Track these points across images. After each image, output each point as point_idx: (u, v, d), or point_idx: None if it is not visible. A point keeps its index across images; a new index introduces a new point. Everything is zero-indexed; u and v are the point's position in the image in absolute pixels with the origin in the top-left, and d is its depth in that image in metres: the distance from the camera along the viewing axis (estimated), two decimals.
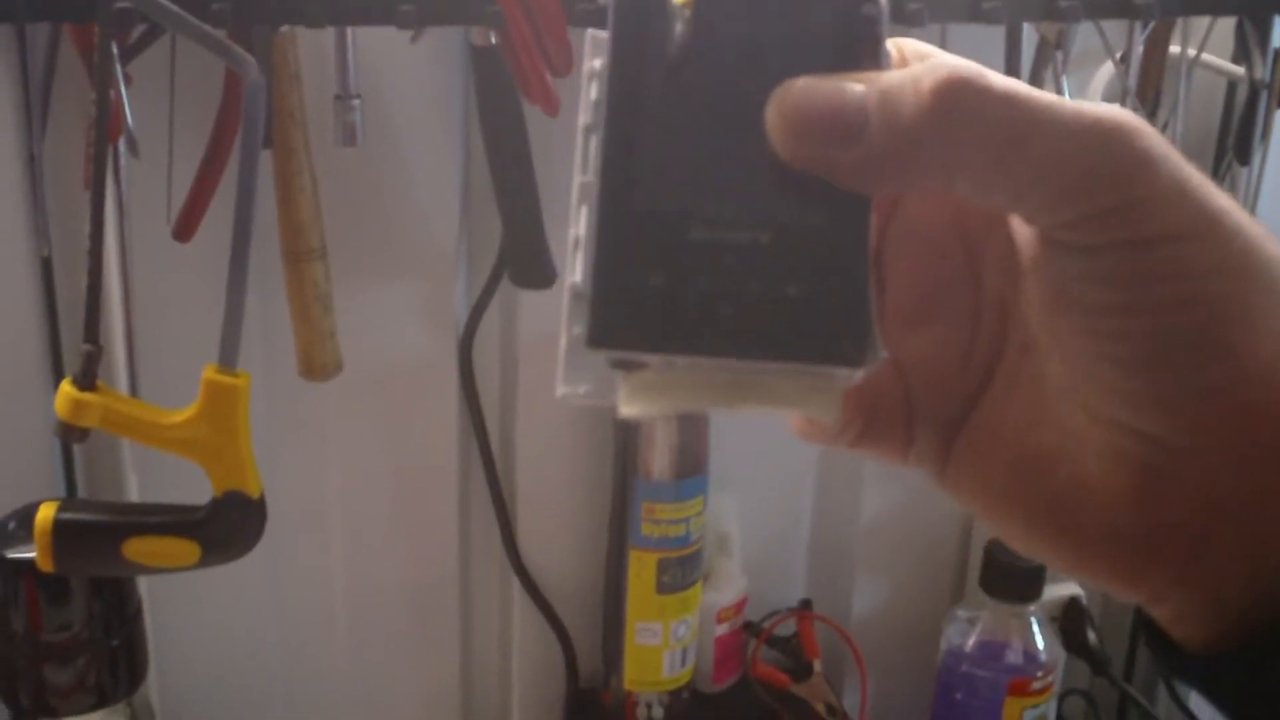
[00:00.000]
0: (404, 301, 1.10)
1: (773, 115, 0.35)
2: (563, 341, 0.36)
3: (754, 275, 0.34)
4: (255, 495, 0.89)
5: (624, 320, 0.34)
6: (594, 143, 0.36)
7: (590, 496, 1.18)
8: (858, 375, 0.35)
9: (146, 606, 1.09)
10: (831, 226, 0.35)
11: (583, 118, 0.36)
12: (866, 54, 0.36)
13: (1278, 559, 0.37)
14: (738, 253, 0.34)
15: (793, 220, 0.35)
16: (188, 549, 0.89)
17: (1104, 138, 0.34)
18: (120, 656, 1.02)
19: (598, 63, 0.37)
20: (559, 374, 0.35)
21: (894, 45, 0.39)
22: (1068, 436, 0.39)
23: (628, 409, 0.35)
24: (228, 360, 0.86)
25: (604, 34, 0.36)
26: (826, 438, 0.43)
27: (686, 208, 0.35)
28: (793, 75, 0.35)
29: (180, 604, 1.14)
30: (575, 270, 0.35)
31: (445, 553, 1.18)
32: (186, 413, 0.86)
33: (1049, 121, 0.34)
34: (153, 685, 1.10)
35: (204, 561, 0.90)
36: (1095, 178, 0.34)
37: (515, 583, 1.20)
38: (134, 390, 0.98)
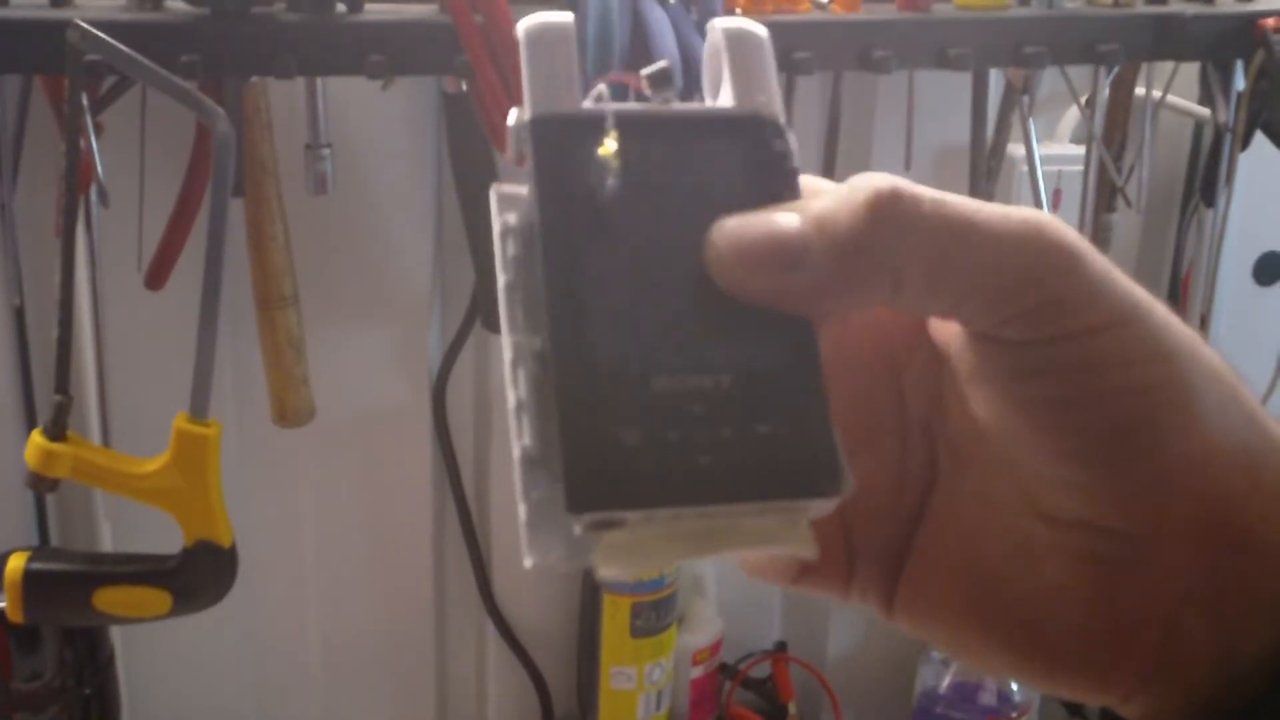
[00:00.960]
0: (378, 347, 1.10)
1: (713, 254, 0.35)
2: (522, 510, 0.34)
3: (723, 419, 0.34)
4: (226, 544, 0.89)
5: (603, 481, 0.33)
6: (519, 300, 0.35)
7: None
8: (832, 505, 0.35)
9: (120, 654, 1.08)
10: (786, 360, 0.35)
11: (503, 277, 0.35)
12: (785, 186, 0.36)
13: (1244, 645, 0.37)
14: (703, 399, 0.34)
15: (749, 359, 0.35)
16: (159, 598, 0.89)
17: (1032, 237, 0.35)
18: (92, 705, 1.01)
19: (510, 218, 0.36)
20: (525, 543, 0.34)
21: (804, 180, 0.38)
22: (1018, 547, 0.39)
23: (606, 571, 0.34)
24: (198, 410, 0.86)
25: (510, 189, 0.36)
26: (773, 576, 0.42)
27: (644, 361, 0.34)
28: (722, 215, 0.35)
29: (154, 651, 1.13)
30: (523, 434, 0.34)
31: (420, 598, 1.18)
32: (157, 462, 0.86)
33: (981, 224, 0.35)
34: None
35: (175, 611, 0.90)
36: (1029, 275, 0.35)
37: (490, 627, 1.20)
38: (106, 439, 0.98)
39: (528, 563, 0.33)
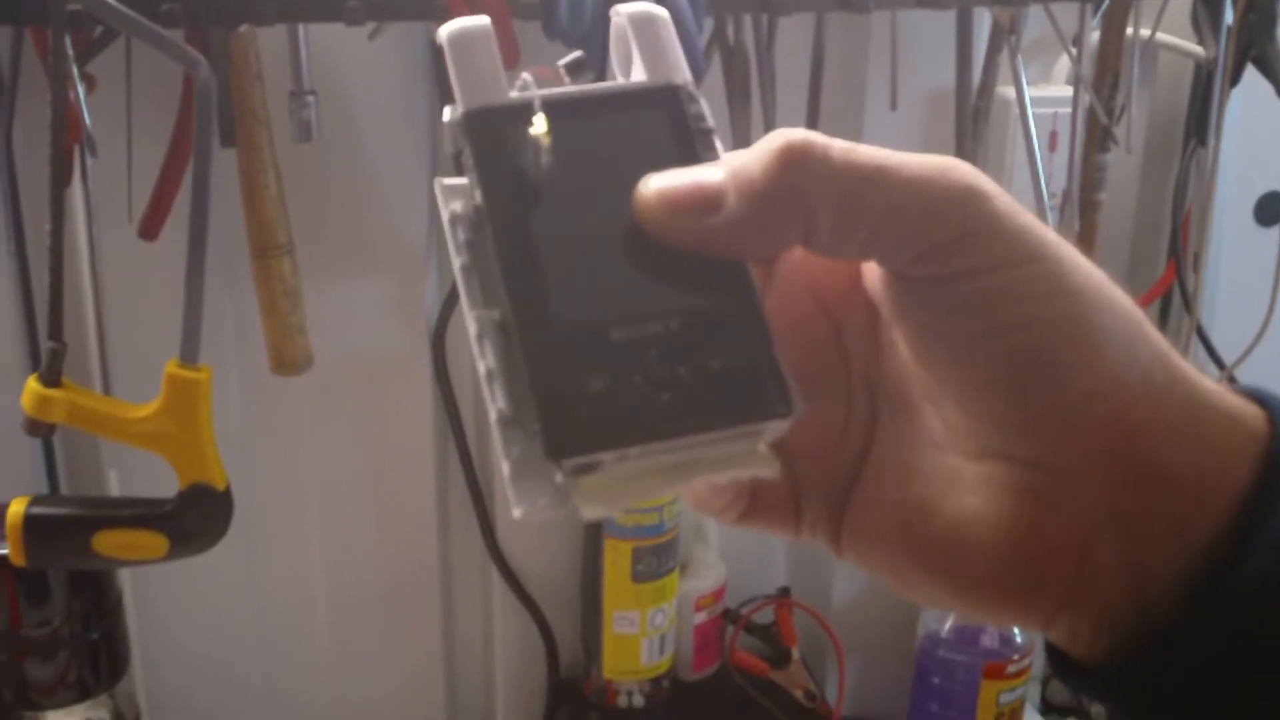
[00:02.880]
0: (375, 296, 1.11)
1: (642, 206, 0.38)
2: (505, 467, 0.37)
3: (678, 359, 0.37)
4: (221, 487, 0.90)
5: (576, 428, 0.36)
6: (475, 279, 0.38)
7: None
8: (786, 426, 0.38)
9: (129, 601, 1.10)
10: (727, 301, 0.38)
11: (458, 260, 0.38)
12: (703, 146, 0.39)
13: (1154, 570, 0.38)
14: (657, 343, 0.37)
15: (694, 304, 0.38)
16: (156, 541, 0.91)
17: (937, 178, 0.37)
18: (101, 650, 1.03)
19: (456, 206, 0.38)
20: (511, 496, 0.37)
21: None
22: (946, 481, 0.41)
23: (589, 511, 0.37)
24: (189, 355, 0.88)
25: (451, 181, 0.39)
26: (715, 510, 0.44)
27: (599, 316, 0.37)
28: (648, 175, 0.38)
29: (163, 598, 1.16)
30: (496, 399, 0.37)
31: (424, 545, 1.20)
32: (150, 407, 0.88)
33: (890, 168, 0.37)
34: (137, 678, 1.12)
35: (172, 553, 0.91)
36: (936, 213, 0.37)
37: (495, 573, 1.21)
38: (106, 387, 0.99)
39: (516, 513, 0.36)
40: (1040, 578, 0.40)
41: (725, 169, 0.38)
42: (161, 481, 0.90)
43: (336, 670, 1.22)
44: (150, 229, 0.95)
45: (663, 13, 0.41)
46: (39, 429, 0.88)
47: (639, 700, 1.20)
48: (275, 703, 1.23)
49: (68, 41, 0.83)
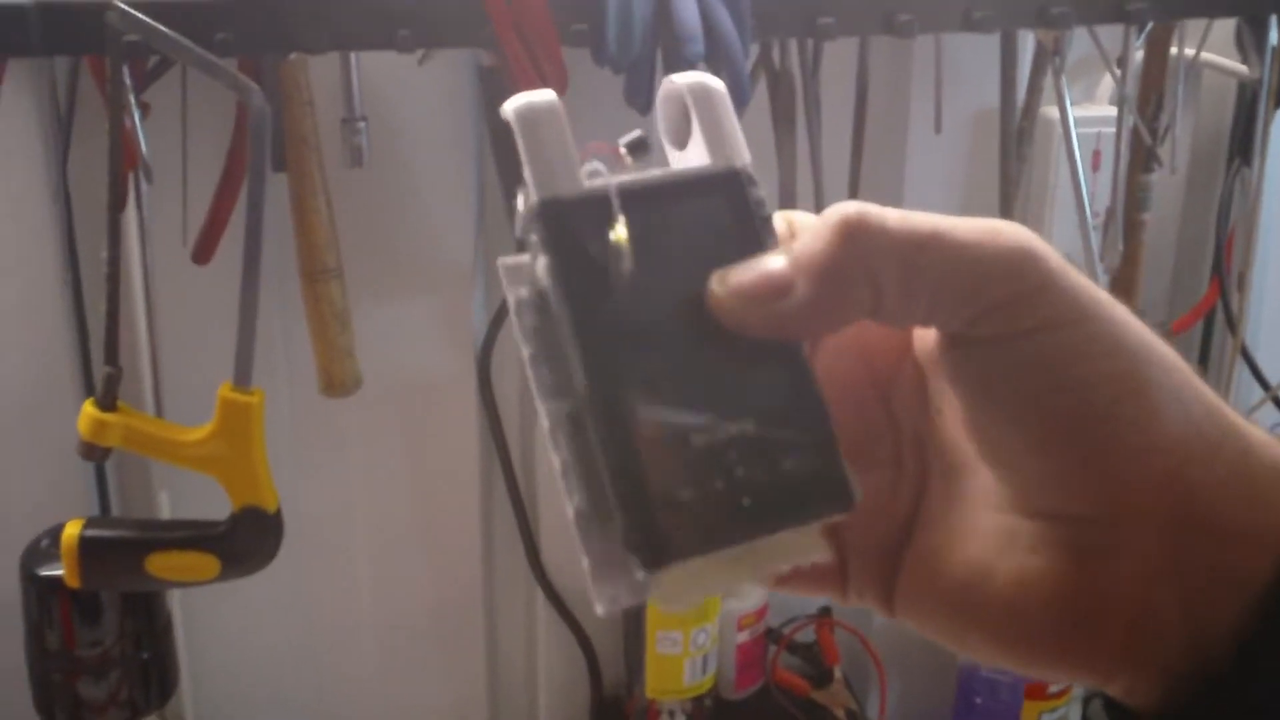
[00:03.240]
0: (423, 318, 1.12)
1: (715, 301, 0.39)
2: (585, 563, 0.37)
3: (755, 463, 0.38)
4: (272, 510, 0.91)
5: (661, 534, 0.36)
6: (545, 368, 0.38)
7: None
8: (844, 516, 0.39)
9: (179, 621, 1.11)
10: (793, 396, 0.39)
11: (526, 349, 0.38)
12: (766, 230, 0.40)
13: (1212, 622, 0.39)
14: (736, 447, 0.38)
15: (765, 401, 0.38)
16: (208, 563, 0.92)
17: (992, 239, 0.38)
18: (151, 670, 1.04)
19: (523, 291, 0.38)
20: (593, 594, 0.37)
21: (783, 218, 0.42)
22: (1002, 540, 0.41)
23: (668, 607, 0.39)
24: (242, 379, 0.89)
25: (514, 261, 0.38)
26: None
27: (678, 416, 0.37)
28: (716, 268, 0.39)
29: (212, 618, 1.17)
30: (573, 494, 0.37)
31: (469, 565, 1.20)
32: (203, 431, 0.89)
33: (944, 232, 0.38)
34: (186, 698, 1.13)
35: (224, 575, 0.93)
36: (991, 274, 0.38)
37: (539, 594, 1.22)
38: (159, 410, 1.01)
39: (600, 611, 0.37)
40: (1101, 633, 0.40)
41: (790, 254, 0.39)
42: (212, 502, 0.91)
43: (383, 690, 1.23)
44: (203, 253, 0.96)
45: (720, 87, 0.41)
46: (94, 453, 0.89)
47: (681, 719, 1.21)
48: None
49: (125, 71, 0.84)
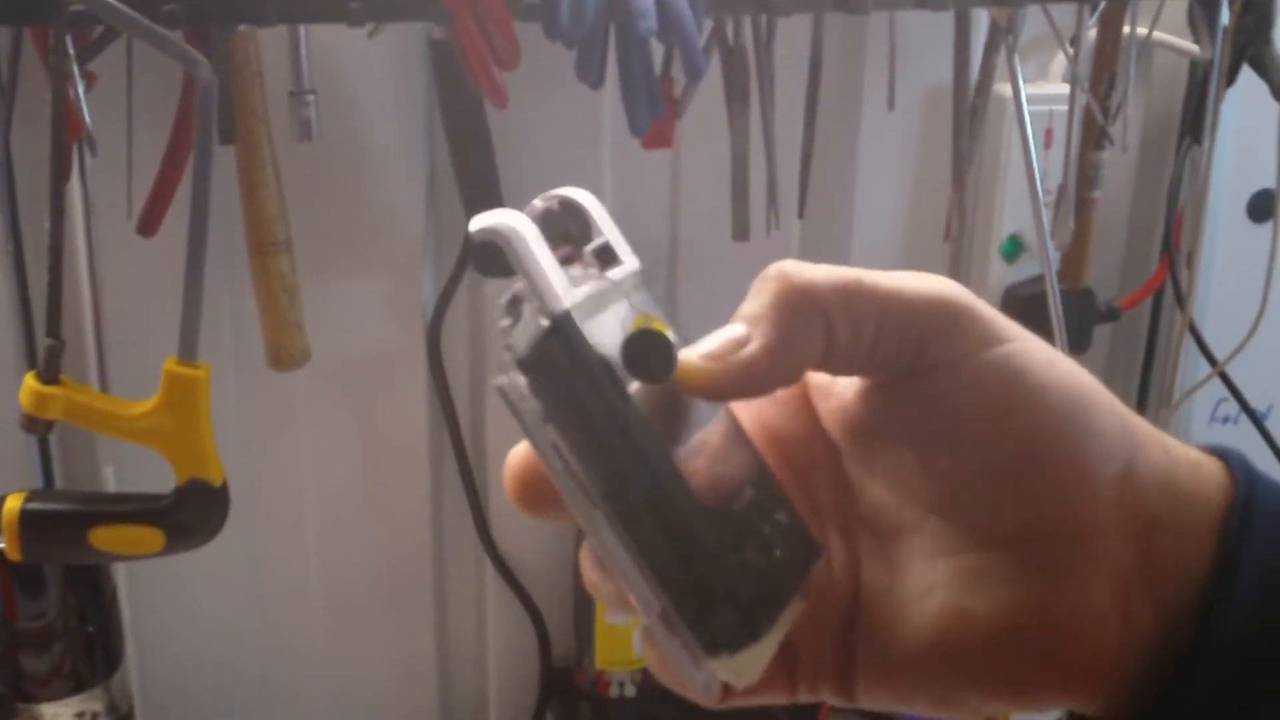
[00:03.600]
0: (372, 292, 1.12)
1: (692, 372, 0.40)
2: (685, 658, 0.40)
3: (765, 552, 0.41)
4: (217, 483, 0.90)
5: (724, 631, 0.39)
6: (585, 477, 0.39)
7: None
8: (820, 564, 0.44)
9: (124, 593, 1.11)
10: (761, 486, 0.43)
11: (557, 462, 0.39)
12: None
13: (1182, 618, 0.40)
14: (750, 542, 0.41)
15: (748, 494, 0.42)
16: (152, 536, 0.91)
17: (915, 278, 0.41)
18: (96, 643, 1.04)
19: (534, 406, 0.38)
20: (698, 687, 0.40)
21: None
22: (969, 582, 0.42)
23: (738, 680, 0.40)
24: (187, 352, 0.88)
25: (512, 382, 0.39)
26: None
27: (709, 502, 0.40)
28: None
29: (158, 591, 1.16)
30: (652, 595, 0.39)
31: (419, 538, 1.20)
32: (148, 404, 0.88)
33: (867, 275, 0.41)
34: (132, 670, 1.12)
35: (169, 548, 0.92)
36: (926, 303, 0.41)
37: (488, 566, 1.22)
38: (104, 384, 0.99)
39: (709, 702, 0.41)
40: (1091, 649, 0.41)
41: (739, 317, 0.41)
42: (159, 476, 0.90)
43: (331, 661, 1.23)
44: (149, 226, 0.95)
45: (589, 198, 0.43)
46: (36, 426, 0.88)
47: (631, 690, 1.21)
48: (270, 694, 1.23)
49: (69, 41, 0.83)
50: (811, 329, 0.40)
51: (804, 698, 0.45)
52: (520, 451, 0.42)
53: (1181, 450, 0.42)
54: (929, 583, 0.42)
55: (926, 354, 0.41)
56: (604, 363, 0.38)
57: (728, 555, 0.40)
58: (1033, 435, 0.40)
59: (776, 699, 0.45)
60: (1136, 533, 0.40)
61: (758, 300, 0.40)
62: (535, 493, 0.41)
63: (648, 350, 0.39)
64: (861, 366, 0.42)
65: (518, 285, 0.39)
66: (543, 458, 0.39)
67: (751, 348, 0.40)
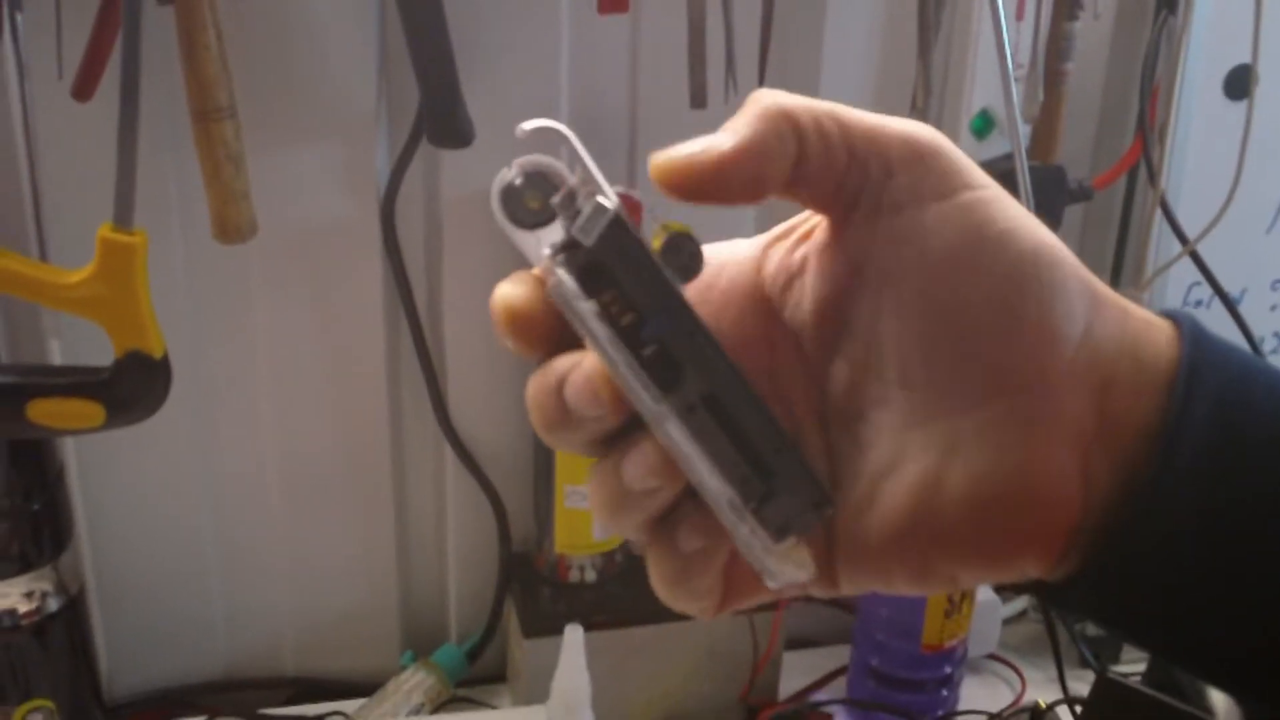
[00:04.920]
0: (323, 163, 1.09)
1: (661, 173, 0.41)
2: (756, 546, 0.41)
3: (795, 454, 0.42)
4: (158, 355, 0.88)
5: (789, 509, 0.41)
6: (646, 371, 0.40)
7: (518, 359, 1.17)
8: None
9: (75, 474, 1.09)
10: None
11: (621, 356, 0.40)
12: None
13: (1141, 470, 0.41)
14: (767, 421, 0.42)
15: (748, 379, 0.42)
16: (92, 410, 0.89)
17: (896, 119, 0.42)
18: (43, 521, 1.02)
19: (586, 305, 0.40)
20: (774, 574, 0.42)
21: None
22: (942, 448, 0.42)
23: (804, 571, 0.42)
24: (123, 218, 0.85)
25: (566, 278, 0.40)
26: (696, 599, 0.45)
27: (765, 415, 0.42)
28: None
29: (109, 471, 1.14)
30: (723, 485, 0.41)
31: (376, 417, 1.18)
32: (83, 272, 0.85)
33: (852, 109, 0.42)
34: (83, 550, 1.11)
35: (110, 422, 0.90)
36: (902, 135, 0.41)
37: (447, 449, 1.20)
38: (43, 254, 0.97)
39: (771, 585, 0.42)
40: (1058, 508, 0.41)
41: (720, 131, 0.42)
42: (106, 352, 0.88)
43: (289, 541, 1.21)
44: (84, 89, 0.92)
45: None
46: None
47: (591, 575, 1.20)
48: (226, 577, 1.22)
49: None
50: (784, 140, 0.41)
51: (787, 594, 0.46)
52: (511, 287, 0.42)
53: (1136, 310, 0.43)
54: (899, 457, 0.43)
55: (894, 187, 0.41)
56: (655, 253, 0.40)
57: (785, 444, 0.41)
58: (1000, 282, 0.41)
59: (767, 597, 0.45)
60: (1093, 389, 0.41)
61: (737, 117, 0.41)
62: (527, 328, 0.42)
63: (682, 247, 0.41)
64: (830, 196, 0.42)
65: (571, 181, 0.40)
66: (604, 353, 0.40)
67: (724, 143, 0.41)
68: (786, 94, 0.41)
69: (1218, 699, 1.00)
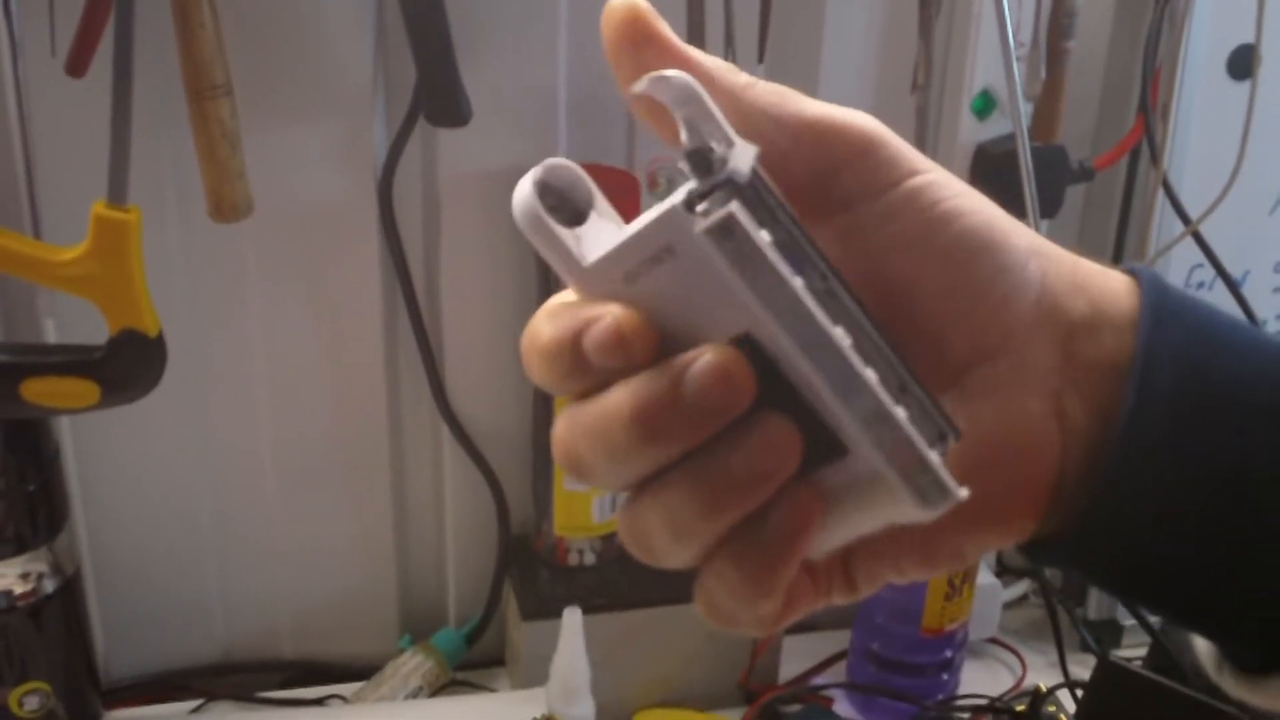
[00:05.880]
0: (320, 142, 1.08)
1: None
2: (933, 458, 0.38)
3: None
4: (153, 333, 0.88)
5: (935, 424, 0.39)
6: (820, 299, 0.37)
7: (516, 340, 1.16)
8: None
9: (70, 456, 1.08)
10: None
11: (798, 279, 0.37)
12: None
13: (1112, 417, 0.42)
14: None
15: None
16: (86, 389, 0.88)
17: (839, 110, 0.42)
18: (38, 502, 1.02)
19: (766, 235, 0.37)
20: (951, 487, 0.37)
21: None
22: None
23: (962, 491, 0.38)
24: (117, 195, 0.85)
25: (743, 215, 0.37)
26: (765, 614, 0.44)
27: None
28: None
29: (106, 453, 1.13)
30: (893, 400, 0.37)
31: (373, 400, 1.17)
32: (76, 250, 0.85)
33: (792, 94, 0.42)
34: (79, 531, 1.10)
35: (104, 401, 0.89)
36: (846, 132, 0.42)
37: (445, 431, 1.19)
38: (37, 231, 0.96)
39: (947, 506, 0.38)
40: (1042, 459, 0.43)
41: None
42: (102, 331, 0.87)
43: (286, 524, 1.21)
44: (78, 65, 0.91)
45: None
46: None
47: (590, 557, 1.19)
48: (222, 558, 1.21)
49: None
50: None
51: (824, 603, 0.46)
52: (568, 315, 0.40)
53: (1086, 262, 0.44)
54: None
55: (841, 184, 0.42)
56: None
57: (915, 377, 0.39)
58: (956, 254, 0.41)
59: (808, 609, 0.45)
60: (1056, 337, 0.42)
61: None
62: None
63: None
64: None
65: (704, 128, 0.38)
66: (776, 290, 0.37)
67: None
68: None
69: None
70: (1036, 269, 0.42)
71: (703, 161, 0.37)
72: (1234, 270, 1.22)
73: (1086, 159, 1.17)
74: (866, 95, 1.15)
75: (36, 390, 0.88)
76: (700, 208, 0.37)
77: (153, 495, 1.17)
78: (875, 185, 0.42)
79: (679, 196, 0.37)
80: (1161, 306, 0.43)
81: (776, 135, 0.41)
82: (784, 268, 0.36)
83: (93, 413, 0.90)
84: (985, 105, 1.15)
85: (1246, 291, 1.24)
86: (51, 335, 1.05)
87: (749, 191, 0.37)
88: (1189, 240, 1.18)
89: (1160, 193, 1.16)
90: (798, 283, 0.36)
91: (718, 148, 0.37)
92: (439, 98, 1.02)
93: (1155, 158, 1.15)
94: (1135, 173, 1.23)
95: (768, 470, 0.38)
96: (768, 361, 0.37)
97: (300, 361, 1.15)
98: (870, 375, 0.37)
